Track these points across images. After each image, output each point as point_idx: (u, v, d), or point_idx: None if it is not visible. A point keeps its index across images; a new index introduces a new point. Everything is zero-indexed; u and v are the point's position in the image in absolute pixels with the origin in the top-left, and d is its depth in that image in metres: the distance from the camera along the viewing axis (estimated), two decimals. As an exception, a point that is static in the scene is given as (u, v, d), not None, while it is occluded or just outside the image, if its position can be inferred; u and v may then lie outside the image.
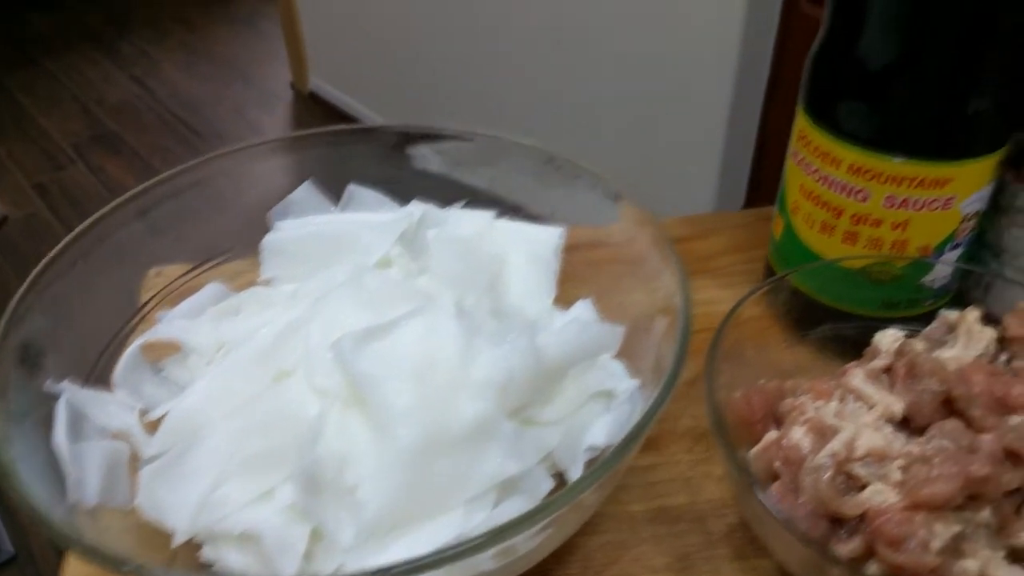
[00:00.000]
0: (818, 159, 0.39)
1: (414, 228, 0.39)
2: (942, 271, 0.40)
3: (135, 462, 0.33)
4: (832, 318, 0.42)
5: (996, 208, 0.41)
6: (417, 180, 0.42)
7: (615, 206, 0.38)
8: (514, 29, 1.78)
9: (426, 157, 0.42)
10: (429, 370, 0.31)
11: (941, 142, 0.36)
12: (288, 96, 2.30)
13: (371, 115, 2.14)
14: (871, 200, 0.38)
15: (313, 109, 2.24)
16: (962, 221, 0.39)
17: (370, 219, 0.41)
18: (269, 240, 0.40)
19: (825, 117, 0.38)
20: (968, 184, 0.37)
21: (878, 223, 0.39)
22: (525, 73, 1.81)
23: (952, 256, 0.40)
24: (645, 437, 0.29)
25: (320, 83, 2.25)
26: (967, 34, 0.34)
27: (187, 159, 0.39)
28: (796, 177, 0.41)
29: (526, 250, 0.39)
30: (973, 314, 0.38)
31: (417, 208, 0.41)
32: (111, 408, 0.34)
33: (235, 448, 0.31)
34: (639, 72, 1.34)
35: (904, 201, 0.38)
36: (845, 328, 0.41)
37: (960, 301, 0.40)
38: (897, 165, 0.37)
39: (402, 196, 0.42)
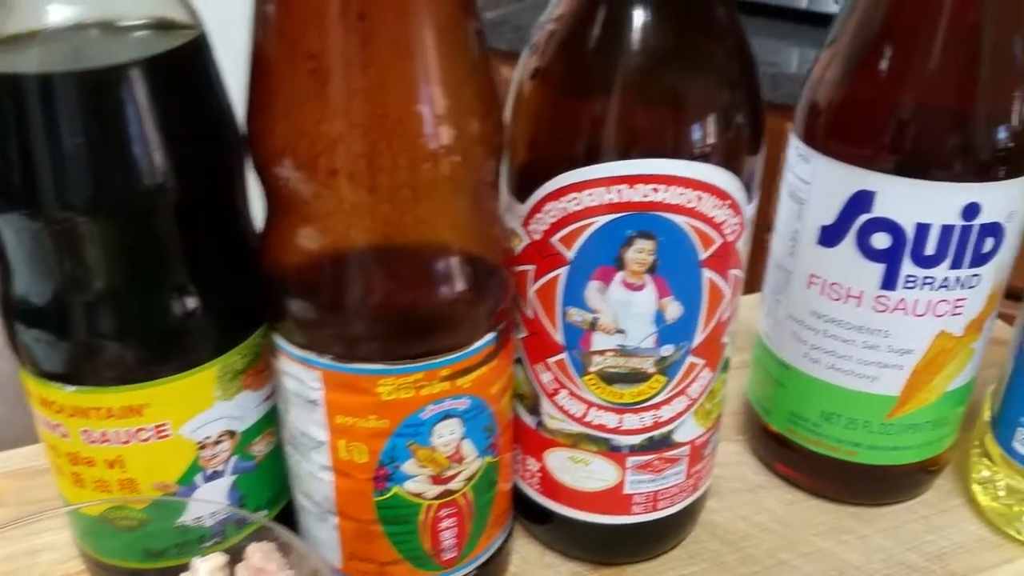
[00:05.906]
0: (28, 393, 0.33)
1: None
2: (202, 508, 0.33)
3: None
4: (114, 574, 0.34)
5: (282, 422, 0.35)
6: None
7: None
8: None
9: None
10: None
11: (105, 368, 0.30)
12: None
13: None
14: (72, 437, 0.32)
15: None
16: (202, 448, 0.33)
17: None
18: None
19: (14, 347, 0.32)
20: (180, 407, 0.31)
21: (91, 462, 0.32)
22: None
23: (220, 487, 0.34)
24: None
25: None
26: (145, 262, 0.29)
27: None
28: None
29: None
30: (210, 563, 0.31)
31: None
32: None
33: None
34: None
35: (103, 435, 0.31)
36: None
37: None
38: (72, 395, 0.31)
39: None
